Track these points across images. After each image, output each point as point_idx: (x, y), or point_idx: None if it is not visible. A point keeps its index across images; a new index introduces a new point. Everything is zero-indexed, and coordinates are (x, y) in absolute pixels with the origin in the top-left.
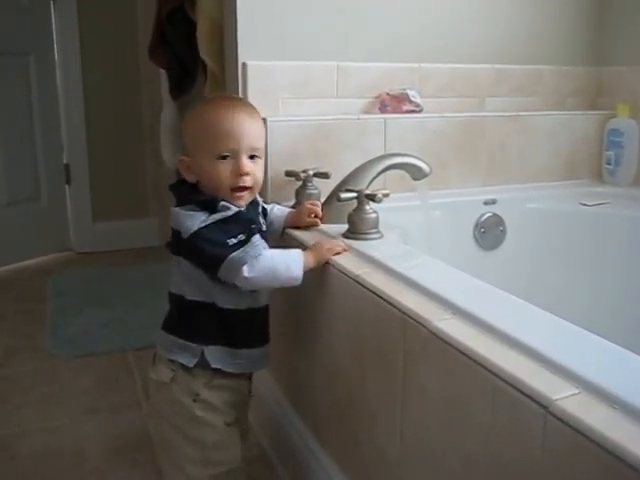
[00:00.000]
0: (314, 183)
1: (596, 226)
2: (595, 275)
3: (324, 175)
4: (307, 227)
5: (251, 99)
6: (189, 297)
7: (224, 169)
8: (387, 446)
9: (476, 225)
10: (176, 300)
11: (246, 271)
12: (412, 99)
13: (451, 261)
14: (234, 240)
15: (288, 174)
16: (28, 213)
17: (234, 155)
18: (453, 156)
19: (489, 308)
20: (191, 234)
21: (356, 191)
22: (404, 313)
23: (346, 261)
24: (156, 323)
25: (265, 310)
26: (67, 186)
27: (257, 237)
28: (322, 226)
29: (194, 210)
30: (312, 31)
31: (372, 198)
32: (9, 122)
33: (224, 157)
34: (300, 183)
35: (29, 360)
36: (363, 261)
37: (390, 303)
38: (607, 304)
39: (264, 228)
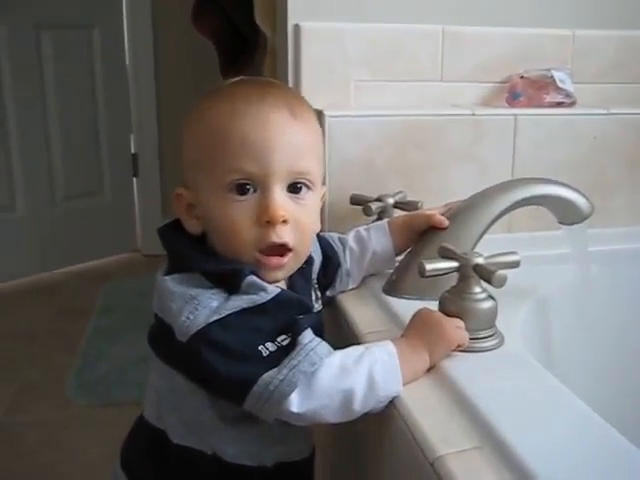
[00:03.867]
0: None
1: None
2: None
3: (412, 206)
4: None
5: (306, 82)
6: (174, 438)
7: (242, 212)
8: None
9: None
10: (150, 435)
11: (296, 403)
12: (560, 85)
13: (615, 343)
14: (271, 347)
15: (355, 201)
16: (89, 209)
17: (258, 185)
18: (623, 177)
19: None
20: (193, 336)
21: (457, 258)
22: None
23: (426, 410)
24: None
25: (309, 463)
26: (134, 179)
27: (308, 334)
28: (393, 304)
29: (199, 286)
30: None
31: (487, 276)
32: (69, 105)
33: (241, 190)
34: (372, 218)
35: (43, 404)
36: (457, 413)
37: None
38: None
39: (317, 307)
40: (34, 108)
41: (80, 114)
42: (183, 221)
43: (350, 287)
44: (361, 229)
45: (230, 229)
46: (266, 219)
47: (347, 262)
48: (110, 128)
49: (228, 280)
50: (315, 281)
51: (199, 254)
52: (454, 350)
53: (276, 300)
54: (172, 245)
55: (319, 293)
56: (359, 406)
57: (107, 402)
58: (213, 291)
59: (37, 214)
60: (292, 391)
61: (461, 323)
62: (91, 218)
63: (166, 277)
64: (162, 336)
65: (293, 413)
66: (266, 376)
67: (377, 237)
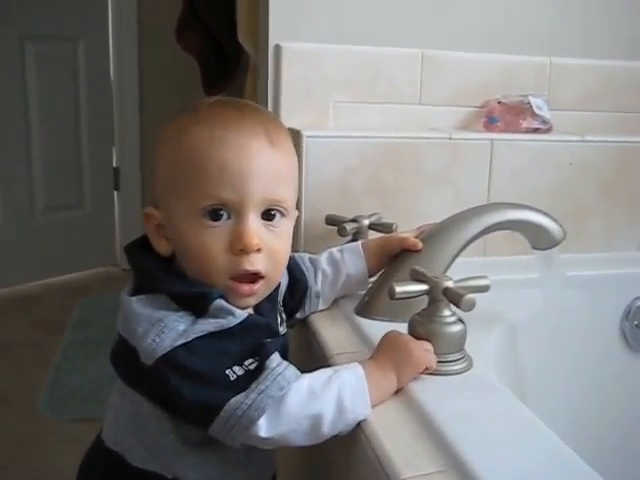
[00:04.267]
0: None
1: None
2: None
3: (386, 228)
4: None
5: (285, 101)
6: (133, 462)
7: (215, 238)
8: None
9: (626, 314)
10: (107, 458)
11: (264, 428)
12: (536, 111)
13: (587, 368)
14: (238, 371)
15: (330, 222)
16: (69, 221)
17: (232, 212)
18: (598, 202)
19: None
20: (158, 359)
21: (427, 280)
22: None
23: (391, 433)
24: None
25: None
26: (115, 192)
27: (276, 358)
28: (364, 325)
29: (166, 309)
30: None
31: (456, 299)
32: (52, 116)
33: (215, 215)
34: (347, 239)
35: (13, 419)
36: (423, 436)
37: None
38: None
39: (282, 330)
40: (16, 119)
41: (62, 126)
42: (152, 241)
43: (320, 308)
44: (334, 250)
45: (202, 255)
46: (240, 247)
47: (318, 284)
48: (92, 141)
49: (196, 303)
50: (280, 304)
51: (166, 275)
52: (422, 373)
53: (244, 325)
54: (139, 264)
55: (284, 316)
56: (327, 429)
57: (78, 417)
58: (180, 314)
59: (16, 225)
60: (260, 416)
61: (429, 346)
62: (71, 231)
63: (132, 298)
64: (126, 357)
65: (261, 438)
66: (233, 401)
67: (351, 259)
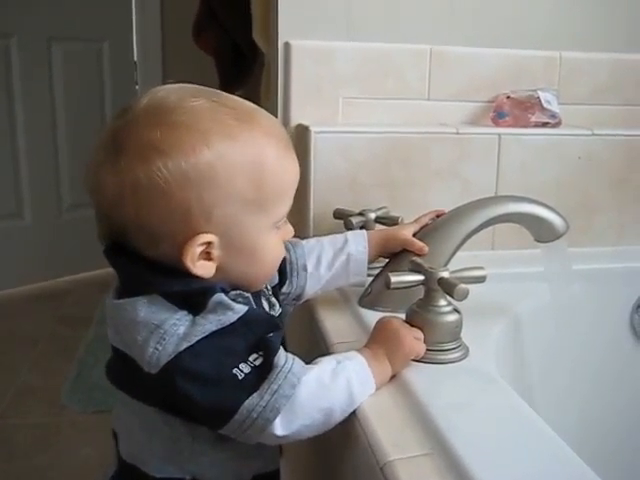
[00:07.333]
0: None
1: None
2: None
3: (393, 221)
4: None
5: (295, 98)
6: (149, 472)
7: (279, 242)
8: None
9: (636, 307)
10: (125, 472)
11: (279, 427)
12: (545, 106)
13: (594, 361)
14: (245, 368)
15: (338, 215)
16: (94, 219)
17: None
18: (608, 197)
19: None
20: (164, 367)
21: (423, 271)
22: None
23: (382, 416)
24: None
25: (279, 471)
26: None
27: (283, 355)
28: (365, 315)
29: (162, 311)
30: None
31: (449, 289)
32: (78, 117)
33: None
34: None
35: (37, 410)
36: (413, 421)
37: None
38: None
39: (275, 313)
40: (43, 118)
41: (88, 125)
42: (194, 267)
43: (314, 287)
44: (337, 234)
45: (274, 259)
46: (287, 239)
47: (304, 256)
48: None
49: (195, 299)
50: (268, 289)
51: (159, 275)
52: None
53: (244, 319)
54: (126, 267)
55: (273, 300)
56: (338, 419)
57: (100, 409)
58: (177, 316)
59: (43, 222)
60: (276, 417)
61: (419, 334)
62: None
63: (122, 302)
64: (126, 371)
65: (276, 436)
66: (247, 403)
67: (354, 239)
